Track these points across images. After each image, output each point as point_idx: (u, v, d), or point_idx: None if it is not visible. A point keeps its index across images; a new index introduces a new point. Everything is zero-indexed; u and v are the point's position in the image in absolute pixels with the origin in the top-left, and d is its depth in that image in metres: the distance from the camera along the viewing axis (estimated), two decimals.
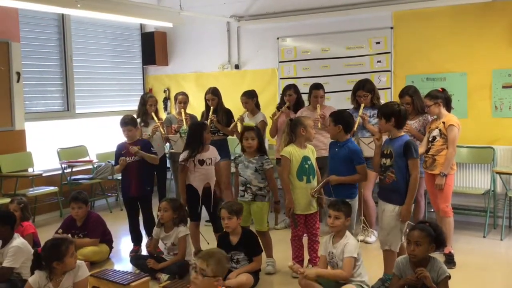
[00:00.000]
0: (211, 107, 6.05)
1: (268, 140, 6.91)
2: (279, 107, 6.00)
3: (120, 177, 5.69)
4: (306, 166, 4.46)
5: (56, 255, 3.40)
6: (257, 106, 6.17)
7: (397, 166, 3.96)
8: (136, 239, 5.33)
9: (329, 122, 4.47)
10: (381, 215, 4.11)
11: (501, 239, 5.45)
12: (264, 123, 6.03)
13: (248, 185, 4.61)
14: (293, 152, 4.45)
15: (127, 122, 5.16)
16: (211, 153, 4.93)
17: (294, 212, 4.46)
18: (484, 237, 5.55)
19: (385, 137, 4.23)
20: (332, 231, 3.97)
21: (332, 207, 3.93)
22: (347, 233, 3.94)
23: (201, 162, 4.84)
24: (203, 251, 3.22)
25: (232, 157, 6.43)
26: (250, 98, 6.07)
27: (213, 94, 6.08)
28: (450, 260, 4.66)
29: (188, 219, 4.88)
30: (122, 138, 5.27)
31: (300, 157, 4.45)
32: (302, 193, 4.45)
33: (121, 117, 5.25)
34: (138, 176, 5.16)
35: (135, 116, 5.68)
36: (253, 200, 4.60)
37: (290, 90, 5.96)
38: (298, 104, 5.98)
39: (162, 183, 6.36)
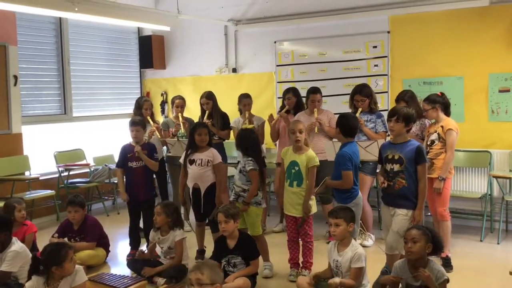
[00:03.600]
0: (206, 111, 6.06)
1: (266, 144, 6.89)
2: (280, 112, 5.99)
3: (116, 181, 5.66)
4: (293, 171, 4.48)
5: (55, 260, 3.40)
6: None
7: (407, 172, 3.95)
8: (134, 242, 5.32)
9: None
10: (390, 220, 4.08)
11: (498, 243, 5.46)
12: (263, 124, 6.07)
13: (233, 185, 4.68)
14: (287, 153, 4.57)
15: (137, 122, 5.25)
16: (205, 154, 4.89)
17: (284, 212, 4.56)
18: (481, 241, 5.55)
19: (381, 141, 4.24)
20: (335, 239, 3.94)
21: (331, 214, 3.91)
22: (353, 241, 3.90)
23: (191, 162, 4.89)
24: (193, 266, 3.11)
25: (229, 161, 6.46)
26: (247, 99, 6.07)
27: (207, 98, 6.06)
28: (447, 264, 4.66)
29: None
30: (121, 141, 5.27)
31: (288, 161, 4.52)
32: (286, 194, 4.55)
33: (118, 120, 5.29)
34: (146, 181, 5.21)
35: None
36: (236, 200, 4.62)
37: (289, 93, 5.95)
38: (298, 107, 5.95)
39: (163, 186, 6.35)
